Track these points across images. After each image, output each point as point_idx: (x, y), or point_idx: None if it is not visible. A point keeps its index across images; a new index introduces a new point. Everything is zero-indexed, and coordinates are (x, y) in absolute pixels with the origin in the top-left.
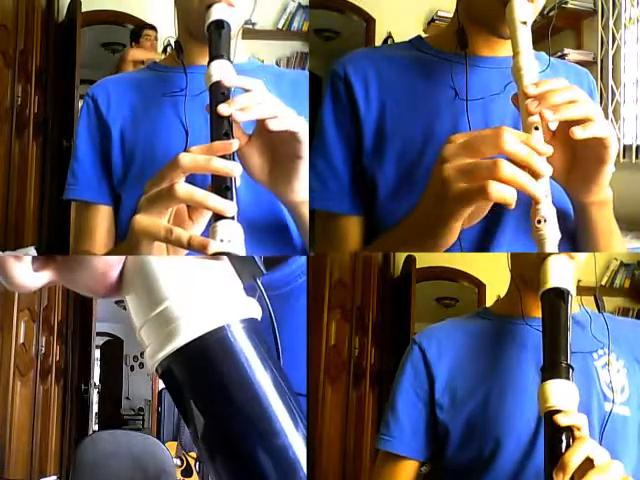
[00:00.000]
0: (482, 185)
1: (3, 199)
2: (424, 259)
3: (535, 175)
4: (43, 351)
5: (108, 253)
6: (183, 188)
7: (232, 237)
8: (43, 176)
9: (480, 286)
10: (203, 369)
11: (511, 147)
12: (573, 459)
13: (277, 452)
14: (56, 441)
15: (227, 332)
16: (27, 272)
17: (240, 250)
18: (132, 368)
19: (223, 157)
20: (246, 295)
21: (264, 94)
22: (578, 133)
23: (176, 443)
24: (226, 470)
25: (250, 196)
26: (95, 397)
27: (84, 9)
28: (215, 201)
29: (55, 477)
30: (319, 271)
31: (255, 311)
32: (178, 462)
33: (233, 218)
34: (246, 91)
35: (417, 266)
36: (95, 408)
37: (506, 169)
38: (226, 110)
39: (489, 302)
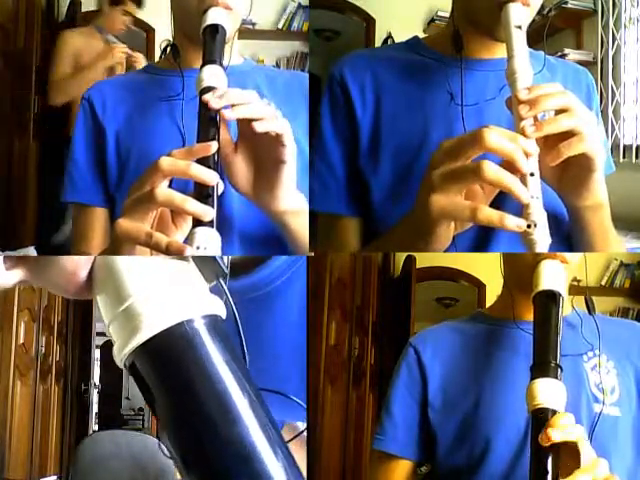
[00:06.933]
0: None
1: (3, 199)
2: (424, 259)
3: (519, 171)
4: (43, 351)
5: (99, 254)
6: (163, 192)
7: (209, 244)
8: (43, 176)
9: (480, 286)
10: (166, 363)
11: (494, 144)
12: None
13: (236, 442)
14: (56, 441)
15: (189, 327)
16: None
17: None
18: None
19: (206, 162)
20: (210, 294)
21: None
22: (553, 159)
23: None
24: (193, 464)
25: (245, 208)
26: (95, 397)
27: (84, 9)
28: (194, 206)
29: (55, 477)
30: (319, 271)
31: (218, 308)
32: None
33: (212, 225)
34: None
35: (417, 266)
36: (95, 408)
37: (490, 170)
38: (216, 103)
39: (489, 302)
